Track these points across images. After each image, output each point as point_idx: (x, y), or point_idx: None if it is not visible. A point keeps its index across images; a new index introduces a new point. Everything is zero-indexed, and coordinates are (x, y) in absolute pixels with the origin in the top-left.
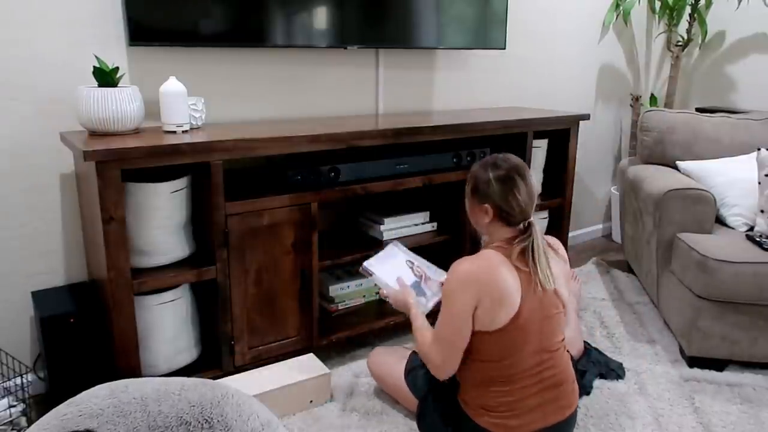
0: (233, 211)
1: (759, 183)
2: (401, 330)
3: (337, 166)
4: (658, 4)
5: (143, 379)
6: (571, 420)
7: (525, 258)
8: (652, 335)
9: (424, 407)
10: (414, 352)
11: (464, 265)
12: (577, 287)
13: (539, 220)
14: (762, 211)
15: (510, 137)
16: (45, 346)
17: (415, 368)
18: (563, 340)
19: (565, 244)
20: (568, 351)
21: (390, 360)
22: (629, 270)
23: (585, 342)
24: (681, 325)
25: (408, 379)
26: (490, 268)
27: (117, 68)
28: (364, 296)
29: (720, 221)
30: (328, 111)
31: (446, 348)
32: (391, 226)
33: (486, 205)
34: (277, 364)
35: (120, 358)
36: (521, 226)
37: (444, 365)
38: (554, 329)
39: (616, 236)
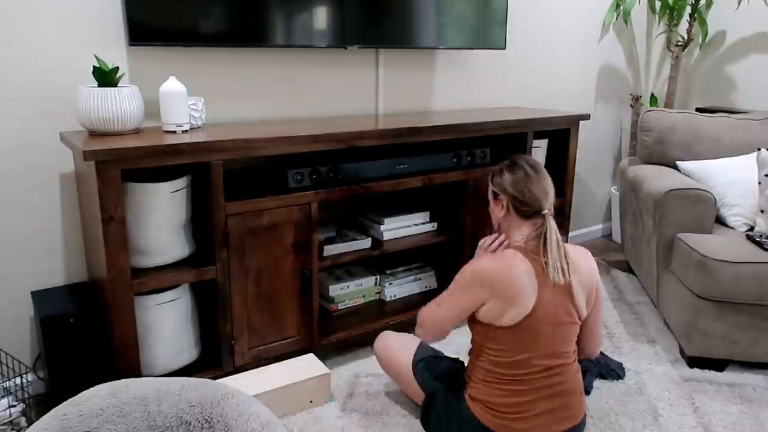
0: (233, 211)
1: (759, 183)
2: (401, 330)
3: (337, 166)
4: (658, 4)
5: (143, 379)
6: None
7: (539, 251)
8: (652, 335)
9: (432, 403)
10: (422, 343)
11: (484, 262)
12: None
13: None
14: (762, 211)
15: (510, 137)
16: (45, 346)
17: (424, 360)
18: (575, 351)
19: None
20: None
21: (397, 345)
22: (629, 270)
23: None
24: (681, 325)
25: (417, 371)
26: (507, 268)
27: (117, 68)
28: (364, 296)
29: (720, 221)
30: (328, 111)
31: (437, 318)
32: (391, 226)
33: (501, 197)
34: (277, 364)
35: (120, 358)
36: (538, 220)
37: (432, 330)
38: (567, 337)
39: (616, 236)
